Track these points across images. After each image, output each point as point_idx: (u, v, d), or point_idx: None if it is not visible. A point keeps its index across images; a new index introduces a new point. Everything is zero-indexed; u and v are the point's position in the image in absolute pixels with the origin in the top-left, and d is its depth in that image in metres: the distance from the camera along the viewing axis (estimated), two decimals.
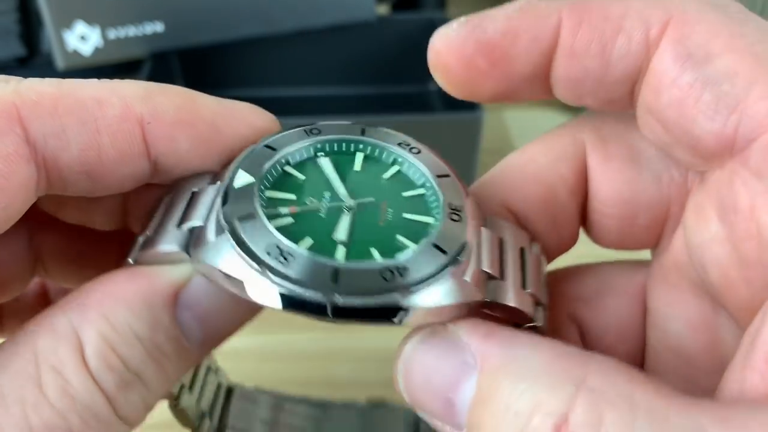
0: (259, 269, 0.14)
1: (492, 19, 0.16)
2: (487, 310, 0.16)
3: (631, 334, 0.20)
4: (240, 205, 0.15)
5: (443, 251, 0.15)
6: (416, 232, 0.16)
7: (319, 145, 0.18)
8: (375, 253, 0.15)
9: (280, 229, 0.15)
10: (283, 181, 0.17)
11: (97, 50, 0.49)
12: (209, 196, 0.16)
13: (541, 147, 0.19)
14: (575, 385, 0.13)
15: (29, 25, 0.54)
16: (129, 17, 0.49)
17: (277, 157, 0.17)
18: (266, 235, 0.15)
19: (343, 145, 0.18)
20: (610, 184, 0.19)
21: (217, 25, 0.51)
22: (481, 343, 0.14)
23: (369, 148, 0.18)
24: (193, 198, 0.17)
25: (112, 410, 0.14)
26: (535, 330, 0.17)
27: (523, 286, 0.17)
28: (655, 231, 0.19)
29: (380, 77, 0.57)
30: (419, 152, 0.18)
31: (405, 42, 0.56)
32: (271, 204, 0.16)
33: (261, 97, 0.56)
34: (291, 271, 0.14)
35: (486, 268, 0.16)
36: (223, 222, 0.15)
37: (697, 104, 0.15)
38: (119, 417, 0.15)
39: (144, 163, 0.17)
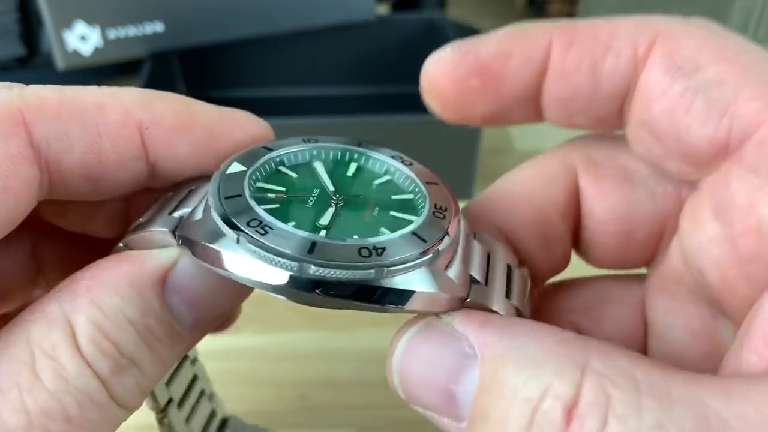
0: (237, 239, 0.14)
1: (484, 42, 0.17)
2: None
3: (633, 342, 0.20)
4: (229, 187, 0.16)
5: (423, 240, 0.15)
6: (399, 226, 0.16)
7: (315, 152, 0.18)
8: (355, 237, 0.15)
9: (265, 210, 0.15)
10: (274, 177, 0.17)
11: (97, 50, 0.49)
12: (203, 190, 0.17)
13: (531, 170, 0.20)
14: (580, 369, 0.13)
15: (29, 25, 0.54)
16: (129, 17, 0.49)
17: (272, 155, 0.17)
18: (250, 211, 0.15)
19: (339, 153, 0.18)
20: (606, 203, 0.19)
21: (217, 25, 0.51)
22: (479, 332, 0.14)
23: (363, 158, 0.18)
24: (189, 193, 0.17)
25: (108, 394, 0.15)
26: None
27: (508, 296, 0.17)
28: (651, 246, 0.19)
29: (380, 77, 0.57)
30: (411, 164, 0.18)
31: (405, 42, 0.56)
32: (259, 191, 0.16)
33: (261, 97, 0.56)
34: (268, 241, 0.14)
35: (472, 272, 0.16)
36: (209, 201, 0.15)
37: (689, 112, 0.15)
38: (115, 401, 0.15)
39: (143, 166, 0.17)
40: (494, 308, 0.16)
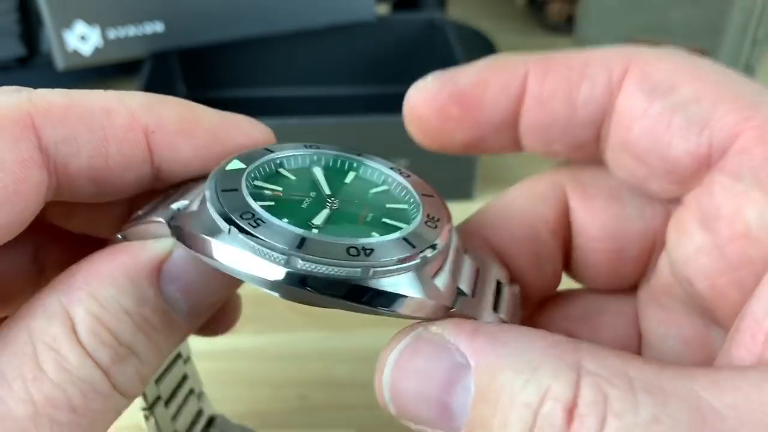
0: (229, 230, 0.14)
1: (464, 72, 0.18)
2: None
3: (628, 351, 0.20)
4: (227, 182, 0.16)
5: (412, 245, 0.15)
6: (390, 232, 0.16)
7: (315, 158, 0.18)
8: (346, 238, 0.15)
9: (261, 206, 0.15)
10: (273, 177, 0.17)
11: (97, 50, 0.49)
12: (202, 186, 0.17)
13: (522, 191, 0.20)
14: (575, 370, 0.13)
15: (29, 25, 0.54)
16: (129, 17, 0.49)
17: (272, 156, 0.18)
18: (245, 205, 0.15)
19: (338, 161, 0.19)
20: (596, 221, 0.19)
21: (217, 25, 0.51)
22: (470, 341, 0.14)
23: (362, 168, 0.19)
24: (188, 189, 0.18)
25: (109, 383, 0.15)
26: None
27: (496, 309, 0.17)
28: (642, 263, 0.20)
29: (380, 77, 0.57)
30: (409, 176, 0.18)
31: (405, 42, 0.56)
32: (257, 188, 0.17)
33: (261, 97, 0.56)
34: (259, 234, 0.14)
35: (460, 285, 0.16)
36: (206, 193, 0.16)
37: (669, 129, 0.16)
38: (116, 389, 0.15)
39: (148, 169, 0.18)
40: (480, 319, 0.16)
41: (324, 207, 0.16)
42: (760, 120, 0.15)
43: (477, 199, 0.46)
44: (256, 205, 0.15)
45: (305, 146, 0.19)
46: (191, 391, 0.24)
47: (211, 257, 0.15)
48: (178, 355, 0.23)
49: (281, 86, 0.57)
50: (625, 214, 0.19)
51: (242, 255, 0.14)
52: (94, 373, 0.15)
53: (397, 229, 0.16)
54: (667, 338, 0.19)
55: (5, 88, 0.16)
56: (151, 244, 0.16)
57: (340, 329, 0.36)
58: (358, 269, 0.14)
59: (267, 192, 0.16)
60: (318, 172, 0.18)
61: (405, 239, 0.15)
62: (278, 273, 0.14)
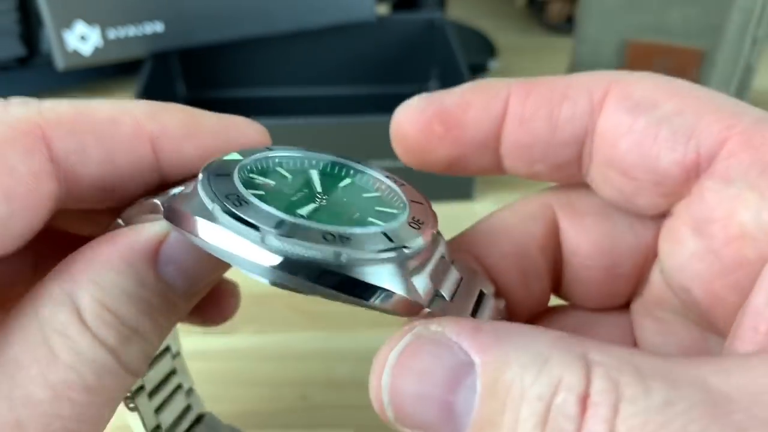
0: (211, 208, 0.15)
1: (449, 93, 0.18)
2: None
3: None
4: (220, 168, 0.16)
5: (390, 239, 0.15)
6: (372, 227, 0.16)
7: (314, 162, 0.19)
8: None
9: (249, 192, 0.16)
10: (268, 172, 0.18)
11: (97, 50, 0.49)
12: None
13: (511, 210, 0.20)
14: (583, 361, 0.13)
15: (29, 25, 0.54)
16: (129, 17, 0.49)
17: (271, 154, 0.18)
18: (233, 188, 0.16)
19: (336, 167, 0.19)
20: (589, 238, 0.19)
21: (217, 25, 0.51)
22: (473, 338, 0.14)
23: (358, 174, 0.19)
24: (189, 180, 0.18)
25: (118, 362, 0.16)
26: None
27: (474, 317, 0.17)
28: (635, 279, 0.20)
29: (380, 77, 0.57)
30: (403, 185, 0.19)
31: (405, 42, 0.56)
32: (250, 178, 0.17)
33: (261, 97, 0.56)
34: (240, 212, 0.15)
35: (441, 289, 0.16)
36: (199, 176, 0.16)
37: (656, 141, 0.16)
38: (124, 368, 0.16)
39: (154, 174, 0.19)
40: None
41: (312, 202, 0.17)
42: (744, 127, 0.16)
43: (477, 199, 0.46)
44: (243, 190, 0.16)
45: (305, 150, 0.19)
46: (179, 387, 0.25)
47: (194, 234, 0.15)
48: (167, 349, 0.23)
49: (281, 86, 0.57)
50: (617, 230, 0.19)
51: (222, 233, 0.14)
52: (103, 354, 0.15)
53: (379, 225, 0.16)
54: (664, 347, 0.19)
55: (14, 99, 0.17)
56: (148, 227, 0.17)
57: (340, 329, 0.36)
58: (330, 252, 0.14)
59: (259, 182, 0.17)
60: (314, 174, 0.18)
61: (384, 234, 0.15)
62: (253, 252, 0.14)
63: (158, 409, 0.23)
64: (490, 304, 0.18)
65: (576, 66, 0.52)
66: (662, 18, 0.49)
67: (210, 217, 0.15)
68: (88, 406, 0.15)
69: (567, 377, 0.13)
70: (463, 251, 0.19)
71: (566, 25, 0.67)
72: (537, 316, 0.21)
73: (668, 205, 0.17)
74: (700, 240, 0.16)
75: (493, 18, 0.72)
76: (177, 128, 0.18)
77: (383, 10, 0.64)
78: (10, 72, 0.54)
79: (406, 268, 0.15)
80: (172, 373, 0.24)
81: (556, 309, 0.22)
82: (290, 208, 0.16)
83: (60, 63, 0.48)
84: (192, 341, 0.28)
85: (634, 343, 0.20)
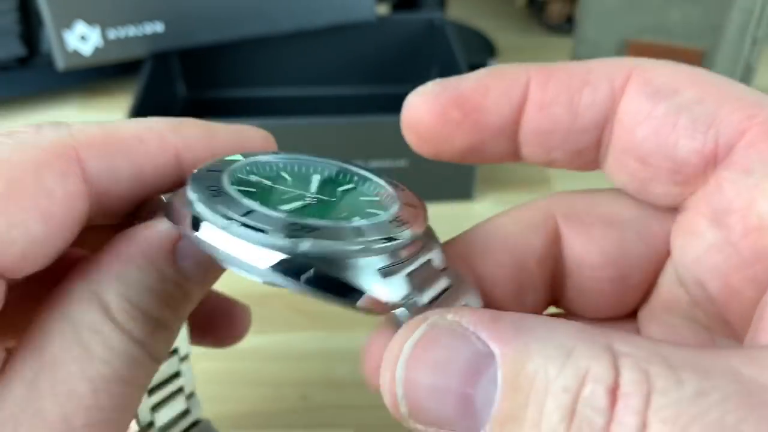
0: (192, 198, 0.15)
1: (465, 78, 0.18)
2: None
3: None
4: (214, 165, 0.17)
5: (362, 234, 0.15)
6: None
7: (319, 167, 0.19)
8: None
9: (234, 188, 0.16)
10: (270, 174, 0.18)
11: (97, 50, 0.49)
12: None
13: (511, 216, 0.20)
14: (610, 351, 0.12)
15: (29, 25, 0.54)
16: (129, 17, 0.49)
17: (275, 158, 0.18)
18: (216, 181, 0.16)
19: (341, 174, 0.19)
20: (597, 248, 0.19)
21: (217, 25, 0.51)
22: (492, 329, 0.13)
23: (361, 181, 0.19)
24: None
25: (147, 353, 0.17)
26: None
27: None
28: (644, 287, 0.19)
29: (380, 77, 0.57)
30: (403, 190, 0.18)
31: (405, 42, 0.56)
32: (244, 176, 0.17)
33: (260, 97, 0.56)
34: (213, 201, 0.15)
35: (421, 293, 0.16)
36: (193, 171, 0.17)
37: (675, 129, 0.16)
38: (152, 357, 0.17)
39: (178, 185, 0.19)
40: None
41: (301, 200, 0.17)
42: (764, 117, 0.15)
43: (477, 199, 0.46)
44: (227, 183, 0.16)
45: (315, 156, 0.19)
46: (180, 389, 0.25)
47: (181, 225, 0.16)
48: (175, 352, 0.23)
49: (281, 86, 0.57)
50: (625, 240, 0.19)
51: (193, 221, 0.15)
52: (133, 346, 0.16)
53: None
54: None
55: (46, 124, 0.17)
56: (165, 223, 0.18)
57: (340, 329, 0.36)
58: (287, 241, 0.14)
59: (253, 180, 0.17)
60: (315, 179, 0.18)
61: (357, 228, 0.15)
62: (218, 239, 0.14)
63: (155, 407, 0.23)
64: None
65: None
66: (662, 18, 0.49)
67: (188, 208, 0.15)
68: (123, 396, 0.16)
69: (594, 368, 0.12)
70: (456, 259, 0.19)
71: (566, 25, 0.67)
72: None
73: (683, 195, 0.17)
74: (718, 231, 0.16)
75: (493, 18, 0.72)
76: (197, 141, 0.19)
77: (383, 10, 0.64)
78: (10, 72, 0.54)
79: (373, 264, 0.15)
80: (177, 374, 0.24)
81: (567, 314, 0.21)
82: (273, 204, 0.16)
83: (60, 63, 0.48)
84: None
85: None
